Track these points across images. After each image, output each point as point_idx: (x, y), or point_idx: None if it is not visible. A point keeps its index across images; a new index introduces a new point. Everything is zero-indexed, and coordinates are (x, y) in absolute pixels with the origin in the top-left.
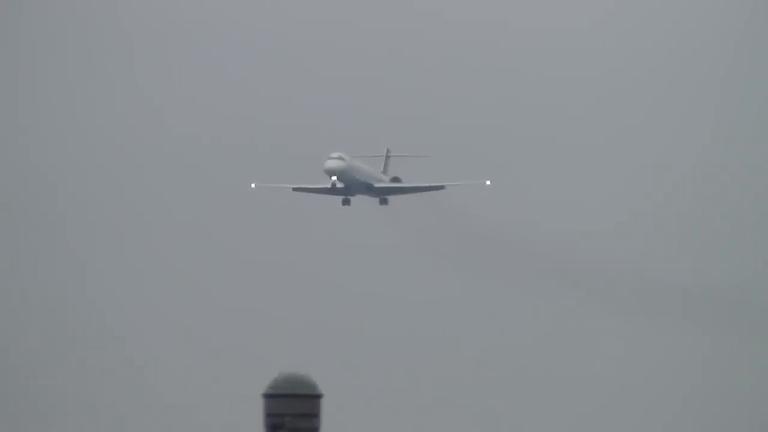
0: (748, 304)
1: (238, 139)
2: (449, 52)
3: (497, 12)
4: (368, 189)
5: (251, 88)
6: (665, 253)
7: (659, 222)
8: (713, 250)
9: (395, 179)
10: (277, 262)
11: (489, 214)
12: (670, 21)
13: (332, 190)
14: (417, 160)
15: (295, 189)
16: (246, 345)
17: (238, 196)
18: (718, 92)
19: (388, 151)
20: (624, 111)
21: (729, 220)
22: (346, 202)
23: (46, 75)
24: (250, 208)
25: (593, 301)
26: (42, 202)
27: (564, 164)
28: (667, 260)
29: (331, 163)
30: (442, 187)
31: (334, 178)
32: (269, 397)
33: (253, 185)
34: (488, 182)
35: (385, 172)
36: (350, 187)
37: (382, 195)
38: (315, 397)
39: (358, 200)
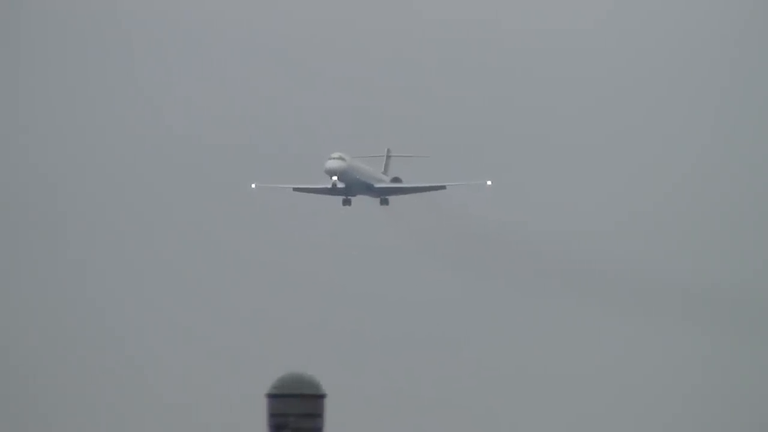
0: (748, 304)
1: (239, 140)
2: (450, 52)
3: (498, 12)
4: (369, 189)
5: (251, 88)
6: (665, 253)
7: (659, 222)
8: (713, 250)
9: (396, 179)
10: (278, 262)
11: (490, 215)
12: (669, 20)
13: (333, 191)
14: (418, 161)
15: (295, 189)
16: (246, 345)
17: (239, 197)
18: (718, 92)
19: (388, 151)
20: (624, 111)
21: (729, 220)
22: (346, 202)
23: (46, 75)
24: (250, 208)
25: (593, 301)
26: (42, 202)
27: (564, 164)
28: (667, 260)
29: (332, 164)
30: (443, 188)
31: (335, 178)
32: (273, 397)
33: (253, 185)
34: (489, 182)
35: (385, 172)
36: (351, 187)
37: (383, 195)
38: (319, 397)
39: (359, 200)
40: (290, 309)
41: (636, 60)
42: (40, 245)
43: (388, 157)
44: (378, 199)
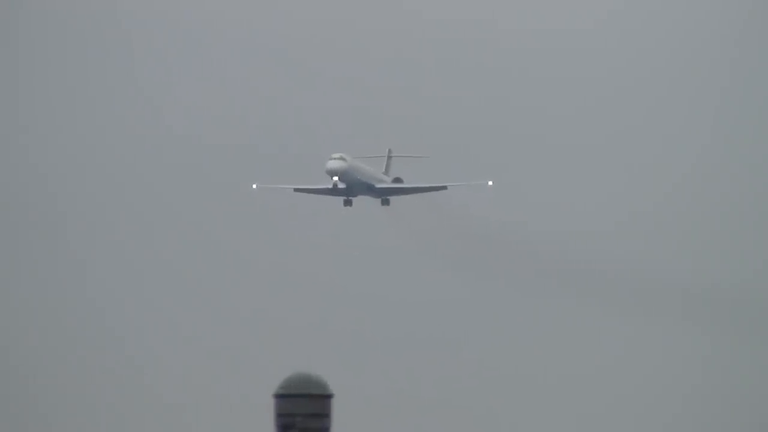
0: (748, 304)
1: (239, 140)
2: (450, 52)
3: (499, 12)
4: (370, 190)
5: (251, 88)
6: (665, 253)
7: (659, 222)
8: (713, 250)
9: (397, 180)
10: (279, 263)
11: (491, 215)
12: (669, 20)
13: (334, 191)
14: (419, 161)
15: (296, 190)
16: (247, 346)
17: (239, 197)
18: (718, 92)
19: (389, 151)
20: (624, 111)
21: (729, 220)
22: (347, 202)
23: (46, 75)
24: (251, 208)
25: (593, 301)
26: (42, 202)
27: (565, 165)
28: (667, 260)
29: (333, 164)
30: (444, 188)
31: (336, 178)
32: (280, 397)
33: (254, 186)
34: (490, 183)
35: (386, 172)
36: (352, 187)
37: (384, 196)
38: (326, 397)
39: (360, 201)
40: (291, 310)
41: (636, 60)
42: (40, 245)
43: (389, 157)
44: (379, 200)
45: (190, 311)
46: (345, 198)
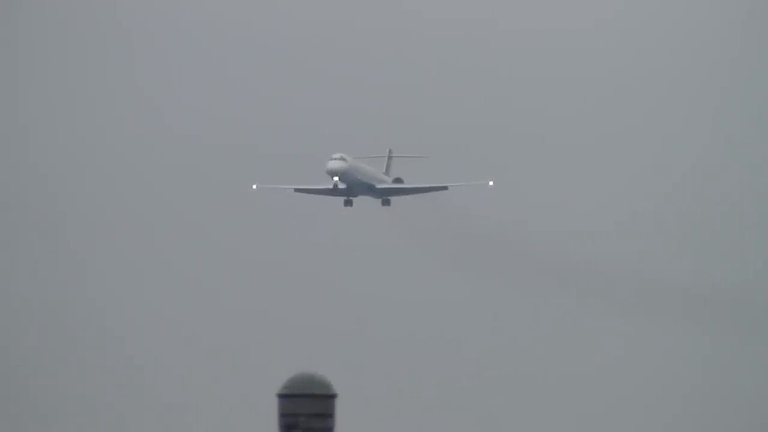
0: (748, 304)
1: (239, 140)
2: (450, 52)
3: (499, 12)
4: (370, 190)
5: (251, 88)
6: (665, 253)
7: (659, 222)
8: (713, 250)
9: (398, 180)
10: (279, 263)
11: (492, 215)
12: (669, 20)
13: (334, 191)
14: (419, 161)
15: (296, 190)
16: (248, 346)
17: (239, 197)
18: (718, 92)
19: (390, 151)
20: (624, 111)
21: (729, 220)
22: (348, 203)
23: (46, 75)
24: (251, 209)
25: (593, 301)
26: (42, 202)
27: (565, 165)
28: (667, 260)
29: (333, 164)
30: (444, 188)
31: (336, 178)
32: (284, 397)
33: (254, 186)
34: (491, 183)
35: (387, 172)
36: (352, 188)
37: (385, 196)
38: (330, 397)
39: (361, 201)
40: (292, 310)
41: (636, 60)
42: (40, 245)
43: (390, 157)
44: (380, 200)
45: (191, 311)
46: (345, 198)
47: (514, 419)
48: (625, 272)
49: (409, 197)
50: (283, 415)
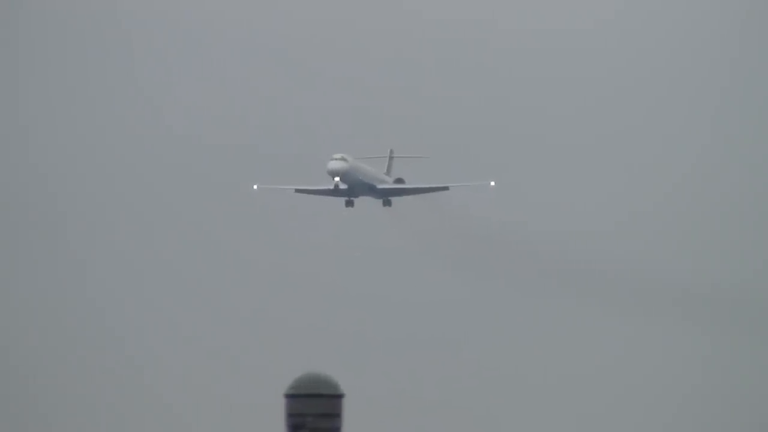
0: (748, 304)
1: (239, 140)
2: (450, 52)
3: (499, 12)
4: (371, 190)
5: (251, 88)
6: (665, 253)
7: (659, 222)
8: (713, 250)
9: (399, 180)
10: (280, 264)
11: (492, 215)
12: (669, 20)
13: (335, 192)
14: (420, 161)
15: (297, 190)
16: (248, 347)
17: (239, 197)
18: (718, 92)
19: (391, 152)
20: (624, 111)
21: (729, 220)
22: (349, 203)
23: (46, 75)
24: (252, 209)
25: (594, 301)
26: (42, 202)
27: (565, 165)
28: (667, 260)
29: (334, 165)
30: (445, 188)
31: (337, 179)
32: (291, 397)
33: (255, 187)
34: (492, 183)
35: (388, 173)
36: (353, 188)
37: (386, 196)
38: (337, 397)
39: (362, 201)
40: (292, 310)
41: (636, 60)
42: (40, 245)
43: (391, 158)
44: (381, 201)
45: (191, 312)
46: (346, 199)
47: (515, 418)
48: (625, 272)
49: (410, 198)
50: (291, 416)
